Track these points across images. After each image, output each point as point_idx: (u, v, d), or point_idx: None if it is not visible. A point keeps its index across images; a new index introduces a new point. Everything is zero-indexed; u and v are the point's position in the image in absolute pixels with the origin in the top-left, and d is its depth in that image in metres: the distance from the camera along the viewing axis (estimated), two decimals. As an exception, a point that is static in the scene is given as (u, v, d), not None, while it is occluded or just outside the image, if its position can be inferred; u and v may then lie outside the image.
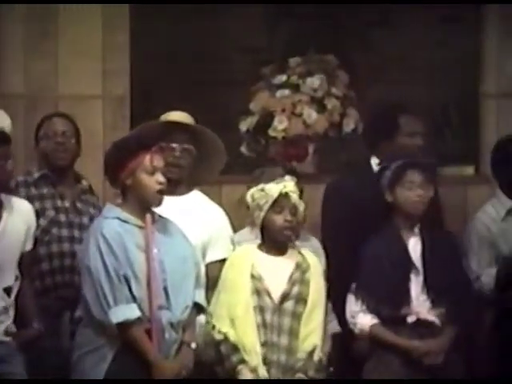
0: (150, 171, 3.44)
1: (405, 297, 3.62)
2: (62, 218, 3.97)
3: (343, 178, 4.12)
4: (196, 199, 3.81)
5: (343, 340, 3.85)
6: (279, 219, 3.62)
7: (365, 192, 3.87)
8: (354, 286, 3.69)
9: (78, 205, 4.02)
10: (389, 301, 3.62)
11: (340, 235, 3.89)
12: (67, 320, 3.86)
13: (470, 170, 4.85)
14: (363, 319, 3.65)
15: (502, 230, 3.99)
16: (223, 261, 3.72)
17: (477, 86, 4.87)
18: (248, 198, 3.69)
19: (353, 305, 3.68)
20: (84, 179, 4.10)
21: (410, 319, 3.62)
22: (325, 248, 4.00)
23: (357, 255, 3.71)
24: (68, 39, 4.78)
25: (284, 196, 3.62)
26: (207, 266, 3.72)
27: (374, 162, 4.00)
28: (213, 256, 3.75)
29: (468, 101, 5.01)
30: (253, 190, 3.68)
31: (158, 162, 3.46)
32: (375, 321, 3.64)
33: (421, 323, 3.62)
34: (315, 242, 4.13)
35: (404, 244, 3.68)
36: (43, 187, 4.00)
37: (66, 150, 4.02)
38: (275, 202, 3.62)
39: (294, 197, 3.64)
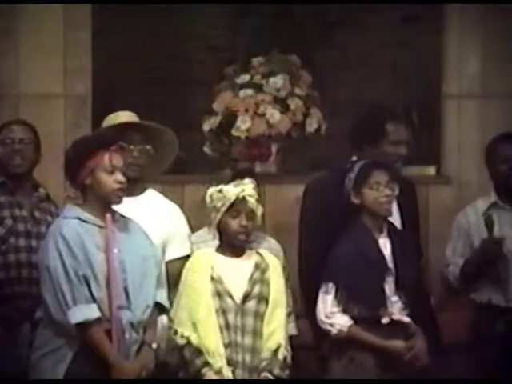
0: (109, 170, 3.42)
1: (381, 298, 3.62)
2: (20, 227, 3.90)
3: (322, 176, 4.11)
4: (152, 197, 3.80)
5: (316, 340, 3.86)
6: (234, 223, 3.61)
7: (341, 193, 3.88)
8: (329, 285, 3.66)
9: (36, 214, 3.96)
10: (366, 302, 3.62)
11: (317, 234, 3.87)
12: (26, 330, 3.79)
13: (431, 171, 4.87)
14: (341, 320, 3.63)
15: (479, 223, 4.01)
16: (182, 258, 3.71)
17: (438, 87, 4.89)
18: (207, 198, 3.67)
19: (329, 305, 3.65)
20: (41, 187, 4.05)
21: (385, 320, 3.62)
22: (300, 246, 3.98)
23: (329, 256, 3.70)
24: (29, 37, 4.74)
25: (241, 200, 3.61)
26: (167, 264, 3.71)
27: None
28: (172, 254, 3.75)
29: (430, 101, 5.04)
30: (211, 191, 3.67)
31: (117, 161, 3.44)
32: (352, 321, 3.63)
33: (394, 324, 3.62)
34: (274, 244, 4.12)
35: (377, 244, 3.68)
36: (0, 195, 3.95)
37: (24, 157, 3.96)
38: (232, 205, 3.60)
39: (252, 201, 3.62)
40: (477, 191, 4.57)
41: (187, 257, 3.75)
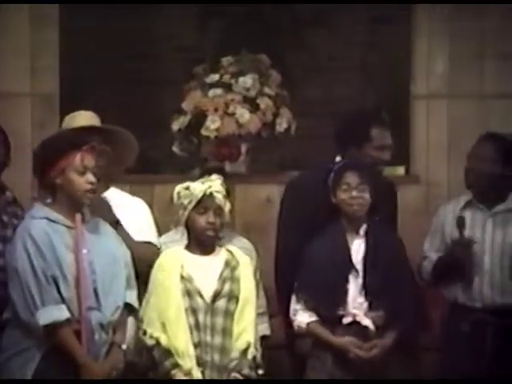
0: (80, 171, 3.40)
1: (342, 298, 3.63)
2: None
3: (304, 175, 4.11)
4: (115, 195, 3.78)
5: (287, 336, 3.85)
6: (202, 220, 3.60)
7: (322, 191, 3.86)
8: (296, 284, 3.69)
9: (4, 217, 3.89)
10: (326, 301, 3.63)
11: (293, 233, 3.87)
12: None
13: (400, 170, 4.89)
14: (301, 317, 3.66)
15: (454, 220, 4.03)
16: (148, 247, 3.71)
17: (407, 87, 4.91)
18: (174, 195, 3.66)
19: (293, 302, 3.69)
20: (8, 190, 4.00)
21: (346, 320, 3.63)
22: (278, 243, 3.97)
23: (301, 255, 3.71)
24: (-5, 36, 4.70)
25: (208, 196, 3.60)
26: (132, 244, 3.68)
27: None
28: (138, 237, 3.74)
29: (399, 101, 5.06)
30: (178, 188, 3.65)
31: (89, 161, 3.41)
32: (313, 319, 3.65)
33: (357, 324, 3.62)
34: (246, 243, 4.12)
35: (347, 245, 3.69)
36: None
37: None
38: (199, 201, 3.59)
39: (219, 197, 3.61)
40: (445, 191, 4.61)
41: (153, 248, 3.74)
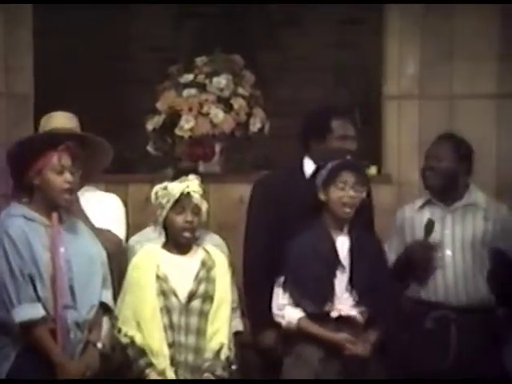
0: (58, 170, 3.42)
1: (329, 293, 3.66)
2: None
3: (271, 174, 4.14)
4: (87, 193, 3.80)
5: (252, 333, 3.88)
6: (179, 220, 3.63)
7: (293, 191, 3.90)
8: (281, 279, 3.72)
9: None
10: (313, 296, 3.66)
11: (262, 232, 3.91)
12: None
13: (372, 170, 4.92)
14: (291, 312, 3.68)
15: (413, 218, 4.08)
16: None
17: (379, 88, 4.95)
18: (152, 195, 3.69)
19: (280, 298, 3.70)
20: None
21: (334, 314, 3.65)
22: (246, 242, 4.00)
23: (283, 251, 3.73)
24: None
25: (186, 196, 3.63)
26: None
27: (307, 161, 4.03)
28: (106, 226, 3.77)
29: (371, 101, 5.09)
30: (156, 188, 3.68)
31: (66, 161, 3.43)
32: (302, 314, 3.67)
33: (343, 320, 3.66)
34: (218, 240, 4.13)
35: (332, 241, 3.72)
36: None
37: None
38: (177, 201, 3.62)
39: (197, 197, 3.65)
40: (417, 190, 4.65)
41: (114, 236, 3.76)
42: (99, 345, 3.45)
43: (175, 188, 3.63)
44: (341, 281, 3.68)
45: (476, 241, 4.00)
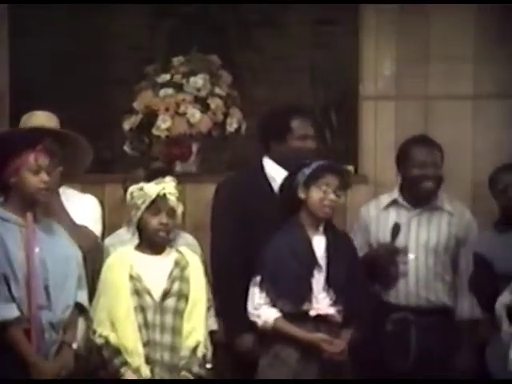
0: (34, 170, 3.40)
1: (306, 292, 3.66)
2: None
3: (234, 176, 4.15)
4: (64, 193, 3.79)
5: (227, 335, 3.88)
6: (154, 221, 3.62)
7: (255, 191, 3.92)
8: (257, 278, 3.72)
9: None
10: (291, 295, 3.66)
11: (228, 233, 3.91)
12: None
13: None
14: (267, 312, 3.68)
15: (378, 217, 4.09)
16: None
17: (356, 88, 4.96)
18: (127, 196, 3.68)
19: (256, 297, 3.70)
20: None
21: (312, 313, 3.66)
22: (212, 245, 4.01)
23: (259, 250, 3.73)
24: None
25: (162, 197, 3.62)
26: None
27: (267, 161, 4.04)
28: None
29: (347, 102, 5.11)
30: (132, 188, 3.67)
31: (43, 161, 3.42)
32: (279, 314, 3.67)
33: (321, 319, 3.67)
34: (190, 240, 4.13)
35: (309, 240, 3.72)
36: None
37: None
38: (152, 202, 3.62)
39: (172, 199, 3.64)
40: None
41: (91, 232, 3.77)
42: (74, 345, 3.45)
43: (151, 189, 3.63)
44: (318, 280, 3.69)
45: (439, 245, 4.03)
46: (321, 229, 3.77)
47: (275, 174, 3.99)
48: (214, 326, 3.99)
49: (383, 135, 4.86)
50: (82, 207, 3.84)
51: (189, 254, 3.73)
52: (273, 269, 3.70)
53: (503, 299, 3.59)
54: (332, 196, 3.72)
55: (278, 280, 3.68)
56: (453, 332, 4.00)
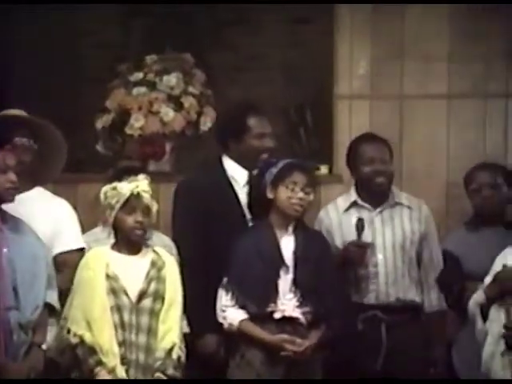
0: (2, 169, 3.38)
1: (272, 294, 3.65)
2: None
3: (194, 176, 4.13)
4: (39, 194, 3.75)
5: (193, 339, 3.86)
6: (130, 220, 3.60)
7: (215, 190, 3.92)
8: (224, 280, 3.71)
9: None
10: (256, 297, 3.65)
11: (189, 233, 3.90)
12: None
13: (324, 170, 4.94)
14: (233, 314, 3.67)
15: (340, 220, 4.08)
16: (75, 252, 3.70)
17: (330, 87, 4.96)
18: (101, 195, 3.66)
19: (223, 299, 3.69)
20: None
21: (277, 315, 3.65)
22: (177, 246, 3.99)
23: (226, 251, 3.72)
24: None
25: (136, 196, 3.60)
26: (57, 256, 3.67)
27: (226, 160, 4.02)
28: (64, 246, 3.72)
29: (322, 101, 5.11)
30: (105, 188, 3.65)
31: (10, 160, 3.40)
32: (245, 316, 3.66)
33: (287, 321, 3.66)
34: (167, 240, 4.11)
35: (277, 241, 3.71)
36: None
37: None
38: (127, 201, 3.59)
39: (147, 197, 3.62)
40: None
41: (80, 250, 3.73)
42: (44, 346, 3.42)
43: (125, 188, 3.61)
44: (284, 281, 3.67)
45: (406, 240, 4.03)
46: (290, 229, 3.75)
47: (234, 172, 4.01)
48: (186, 328, 3.96)
49: (358, 134, 4.84)
50: (57, 216, 3.77)
51: (165, 254, 3.71)
52: (239, 270, 3.69)
53: (477, 297, 3.60)
54: (300, 194, 3.70)
55: (243, 281, 3.67)
56: (423, 329, 4.01)
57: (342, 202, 4.13)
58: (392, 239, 4.03)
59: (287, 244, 3.72)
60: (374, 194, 4.06)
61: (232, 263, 3.71)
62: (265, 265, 3.67)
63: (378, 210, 4.06)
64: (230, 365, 3.71)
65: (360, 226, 3.97)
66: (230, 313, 3.68)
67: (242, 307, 3.67)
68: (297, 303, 3.67)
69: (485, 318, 3.54)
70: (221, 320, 3.71)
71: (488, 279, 3.60)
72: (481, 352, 3.54)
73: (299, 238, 3.73)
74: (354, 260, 3.96)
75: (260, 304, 3.65)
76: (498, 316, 3.47)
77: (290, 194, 3.71)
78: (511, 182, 4.00)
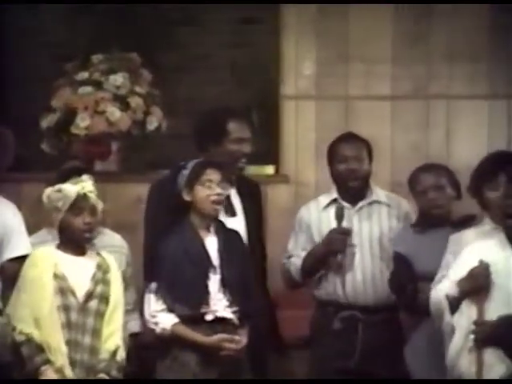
0: None
1: (204, 295, 3.64)
2: None
3: (166, 176, 4.12)
4: None
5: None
6: (78, 221, 3.59)
7: (170, 189, 3.90)
8: (153, 285, 3.68)
9: None
10: (187, 299, 3.63)
11: (158, 232, 3.88)
12: None
13: (270, 170, 4.96)
14: (165, 318, 3.65)
15: (320, 217, 4.10)
16: (20, 258, 3.66)
17: (277, 88, 4.98)
18: (44, 198, 3.62)
19: (153, 304, 3.66)
20: None
21: (208, 317, 3.65)
22: (145, 244, 3.95)
23: (152, 254, 3.71)
24: None
25: (82, 197, 3.59)
26: (3, 264, 3.64)
27: None
28: (10, 253, 3.68)
29: (268, 102, 5.13)
30: (49, 191, 3.62)
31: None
32: (176, 320, 3.64)
33: (219, 321, 3.65)
34: (118, 240, 4.09)
35: (202, 242, 3.70)
36: None
37: None
38: (73, 203, 3.58)
39: (93, 197, 3.61)
40: (314, 190, 4.70)
41: (25, 256, 3.69)
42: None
43: (70, 190, 3.59)
44: (214, 282, 3.67)
45: (383, 238, 4.06)
46: (212, 229, 3.75)
47: None
48: (136, 328, 3.96)
49: (304, 135, 4.89)
50: (8, 217, 3.74)
51: (109, 258, 3.71)
52: (168, 274, 3.66)
53: (443, 288, 3.51)
54: (218, 190, 3.71)
55: (173, 285, 3.64)
56: (399, 329, 4.03)
57: (323, 199, 4.15)
58: (369, 236, 4.05)
59: (211, 244, 3.72)
60: (352, 191, 4.08)
61: (159, 267, 3.68)
62: (194, 266, 3.66)
63: (357, 207, 4.09)
64: (157, 367, 3.68)
65: (339, 213, 3.99)
66: (162, 317, 3.65)
67: (173, 311, 3.64)
68: (227, 303, 3.67)
69: (453, 311, 3.47)
70: (151, 326, 3.67)
71: (454, 273, 3.51)
72: (437, 352, 3.53)
73: (221, 238, 3.73)
74: (335, 247, 3.97)
75: (192, 306, 3.63)
76: (468, 311, 3.41)
77: (208, 192, 3.71)
78: (454, 181, 4.05)
